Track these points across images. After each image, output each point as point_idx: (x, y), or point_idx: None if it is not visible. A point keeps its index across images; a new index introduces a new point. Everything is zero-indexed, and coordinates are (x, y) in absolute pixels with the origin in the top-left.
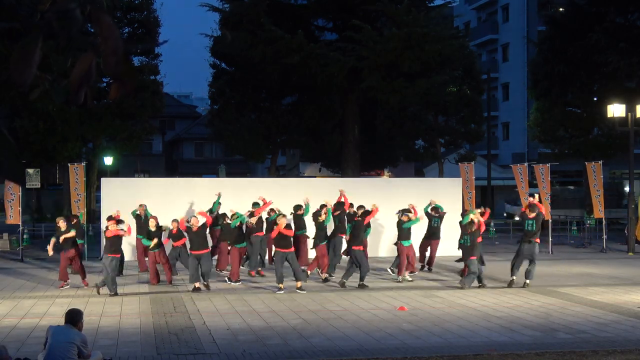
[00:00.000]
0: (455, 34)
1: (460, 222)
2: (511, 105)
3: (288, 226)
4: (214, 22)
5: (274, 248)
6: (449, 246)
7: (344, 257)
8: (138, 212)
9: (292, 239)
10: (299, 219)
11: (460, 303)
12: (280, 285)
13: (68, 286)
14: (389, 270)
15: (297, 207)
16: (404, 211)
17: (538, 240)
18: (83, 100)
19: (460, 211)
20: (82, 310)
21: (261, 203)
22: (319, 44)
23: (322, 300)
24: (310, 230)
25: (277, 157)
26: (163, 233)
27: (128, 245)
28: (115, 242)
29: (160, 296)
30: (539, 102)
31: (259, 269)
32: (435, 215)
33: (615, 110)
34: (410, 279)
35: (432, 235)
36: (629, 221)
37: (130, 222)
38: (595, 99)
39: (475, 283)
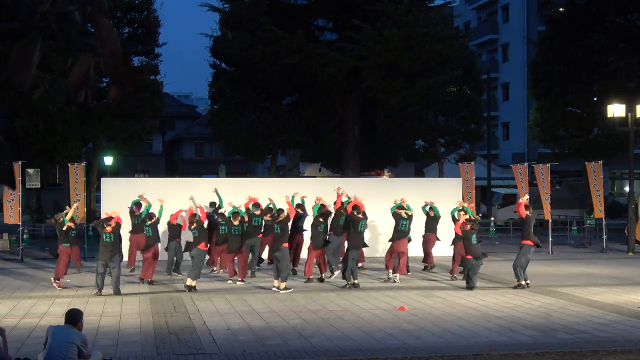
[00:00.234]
0: (455, 34)
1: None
2: (511, 105)
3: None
4: (214, 22)
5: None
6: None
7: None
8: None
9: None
10: (298, 218)
11: (460, 303)
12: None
13: (61, 285)
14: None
15: (297, 206)
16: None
17: (532, 242)
18: (83, 100)
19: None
20: (82, 310)
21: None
22: (319, 44)
23: (322, 300)
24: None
25: (277, 157)
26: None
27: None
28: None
29: (160, 296)
30: (539, 102)
31: (253, 270)
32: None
33: (615, 110)
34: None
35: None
36: (629, 221)
37: (128, 222)
38: (595, 99)
39: (463, 283)
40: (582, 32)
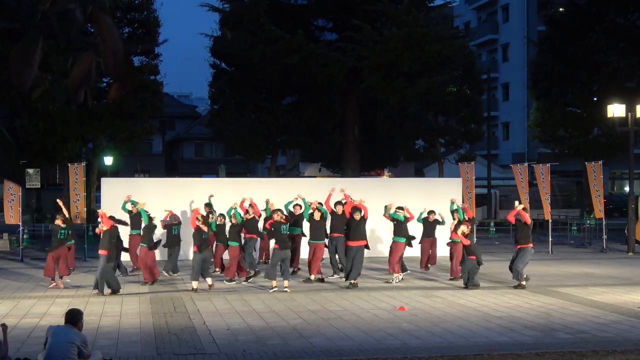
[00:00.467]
0: (455, 34)
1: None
2: (511, 105)
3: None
4: (214, 22)
5: (272, 247)
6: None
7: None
8: (130, 209)
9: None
10: (296, 217)
11: (460, 303)
12: (274, 282)
13: (55, 284)
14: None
15: (296, 206)
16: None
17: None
18: (83, 100)
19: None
20: (82, 310)
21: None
22: (319, 44)
23: (322, 300)
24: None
25: (277, 157)
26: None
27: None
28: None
29: (160, 296)
30: (539, 102)
31: (249, 270)
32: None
33: (615, 110)
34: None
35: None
36: (629, 221)
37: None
38: (595, 99)
39: (461, 283)
40: (582, 32)
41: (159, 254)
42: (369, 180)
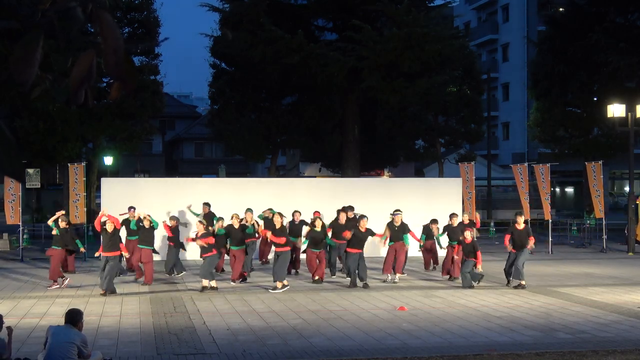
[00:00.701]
0: (455, 34)
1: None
2: (511, 105)
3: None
4: (214, 22)
5: (273, 249)
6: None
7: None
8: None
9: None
10: (295, 226)
11: (460, 303)
12: (284, 282)
13: (58, 286)
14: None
15: (295, 213)
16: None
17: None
18: (83, 100)
19: (460, 212)
20: (82, 310)
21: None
22: (319, 44)
23: (322, 300)
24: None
25: (277, 157)
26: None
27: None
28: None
29: (160, 296)
30: (539, 102)
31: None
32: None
33: (615, 110)
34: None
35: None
36: (629, 221)
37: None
38: (595, 99)
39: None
40: (582, 32)
41: (158, 255)
42: (369, 180)
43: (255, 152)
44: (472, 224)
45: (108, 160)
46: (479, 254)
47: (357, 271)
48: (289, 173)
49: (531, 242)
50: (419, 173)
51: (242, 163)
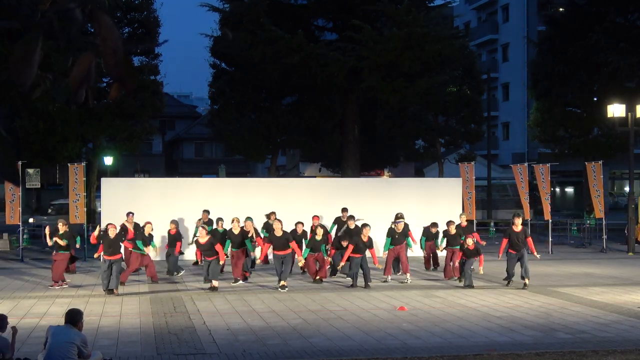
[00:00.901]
0: (455, 34)
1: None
2: (511, 105)
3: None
4: (214, 22)
5: (272, 251)
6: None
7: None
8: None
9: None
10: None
11: (460, 303)
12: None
13: (59, 287)
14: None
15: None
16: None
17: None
18: (83, 100)
19: (459, 212)
20: (82, 310)
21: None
22: (319, 44)
23: (322, 300)
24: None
25: (277, 157)
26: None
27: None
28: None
29: (160, 296)
30: (539, 102)
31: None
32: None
33: (615, 110)
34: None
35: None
36: (629, 221)
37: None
38: (595, 99)
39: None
40: (582, 32)
41: (156, 255)
42: (369, 180)
43: (255, 152)
44: (470, 225)
45: (108, 160)
46: (481, 257)
47: (357, 274)
48: (289, 173)
49: (531, 247)
50: (419, 173)
51: (242, 163)
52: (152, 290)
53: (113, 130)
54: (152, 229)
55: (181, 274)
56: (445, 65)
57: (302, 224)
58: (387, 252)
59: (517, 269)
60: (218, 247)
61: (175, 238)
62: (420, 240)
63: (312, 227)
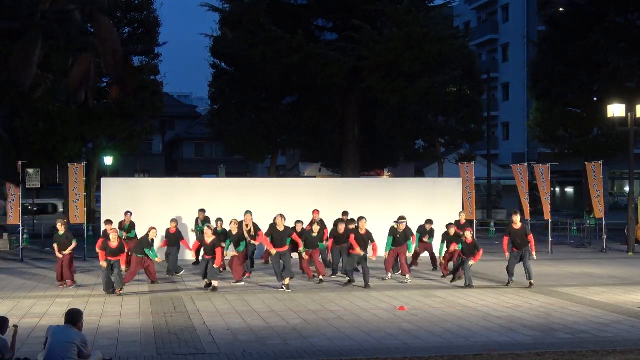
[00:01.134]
0: (455, 34)
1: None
2: (511, 105)
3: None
4: (214, 22)
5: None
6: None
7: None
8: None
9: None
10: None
11: (460, 303)
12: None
13: (66, 286)
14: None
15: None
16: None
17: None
18: (83, 100)
19: (459, 212)
20: (82, 310)
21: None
22: (319, 44)
23: (322, 300)
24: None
25: (277, 157)
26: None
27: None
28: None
29: (160, 296)
30: (539, 102)
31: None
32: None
33: (615, 110)
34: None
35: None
36: (629, 221)
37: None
38: (595, 99)
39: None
40: (582, 32)
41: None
42: (369, 180)
43: (255, 152)
44: (469, 224)
45: (108, 160)
46: (480, 252)
47: (352, 272)
48: (289, 173)
49: (532, 246)
50: (419, 173)
51: (242, 163)
52: (152, 290)
53: (113, 130)
54: (156, 235)
55: (181, 273)
56: (445, 65)
57: (302, 222)
58: (388, 252)
59: (517, 269)
60: (218, 250)
61: (175, 237)
62: (415, 235)
63: (311, 220)
